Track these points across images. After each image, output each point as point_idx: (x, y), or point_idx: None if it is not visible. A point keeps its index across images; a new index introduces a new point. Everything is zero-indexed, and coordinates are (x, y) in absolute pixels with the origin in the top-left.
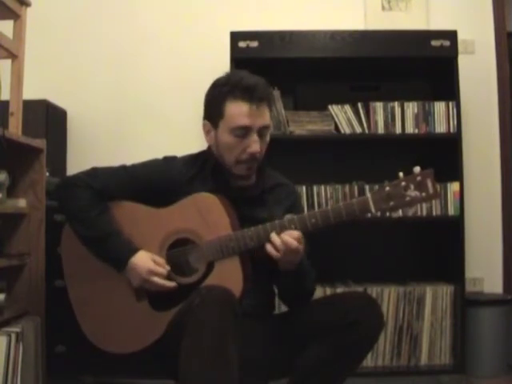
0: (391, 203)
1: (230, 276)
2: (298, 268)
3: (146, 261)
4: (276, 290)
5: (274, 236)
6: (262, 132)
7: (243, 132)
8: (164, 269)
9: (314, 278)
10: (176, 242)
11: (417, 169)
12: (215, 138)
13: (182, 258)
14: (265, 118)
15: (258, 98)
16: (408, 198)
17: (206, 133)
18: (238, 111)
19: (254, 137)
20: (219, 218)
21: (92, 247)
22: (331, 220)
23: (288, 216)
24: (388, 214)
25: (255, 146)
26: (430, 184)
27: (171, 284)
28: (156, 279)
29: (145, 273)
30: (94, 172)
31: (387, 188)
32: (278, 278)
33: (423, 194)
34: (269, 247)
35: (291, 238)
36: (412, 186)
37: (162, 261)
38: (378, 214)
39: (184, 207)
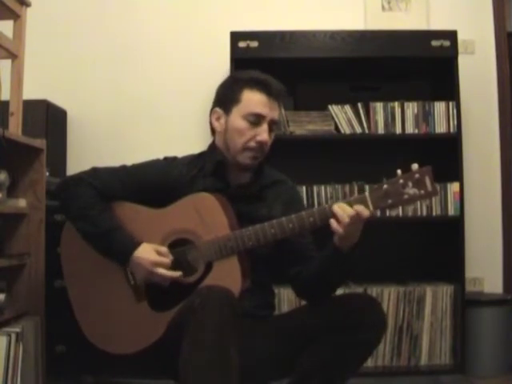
0: (389, 201)
1: (228, 276)
2: (351, 252)
3: (150, 253)
4: (302, 277)
5: (336, 208)
6: (271, 126)
7: (256, 120)
8: (168, 258)
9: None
10: (175, 242)
11: (415, 166)
12: (225, 124)
13: (181, 258)
14: (277, 112)
15: (274, 92)
16: (406, 196)
17: (216, 120)
18: (255, 98)
19: (265, 126)
20: (217, 217)
21: (95, 243)
22: (329, 218)
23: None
24: (388, 212)
25: (265, 134)
26: (428, 181)
27: (176, 274)
28: (161, 270)
29: (149, 265)
30: (95, 172)
31: (385, 186)
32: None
33: (422, 192)
34: (333, 221)
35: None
36: (410, 184)
37: (165, 250)
38: (378, 213)
39: (182, 207)
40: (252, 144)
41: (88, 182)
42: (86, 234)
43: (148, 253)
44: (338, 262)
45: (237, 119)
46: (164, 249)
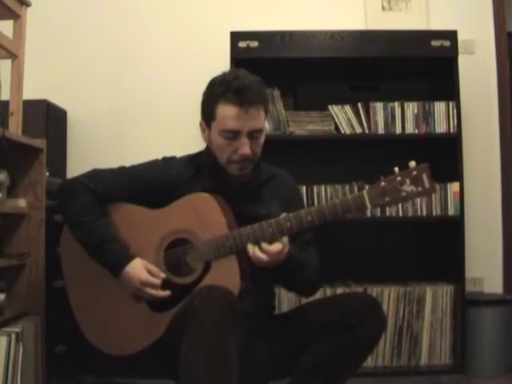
0: (387, 198)
1: (227, 275)
2: (286, 263)
3: (140, 271)
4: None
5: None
6: (253, 135)
7: (232, 135)
8: (158, 278)
9: (314, 268)
10: (173, 242)
11: (412, 163)
12: (209, 137)
13: (180, 259)
14: (256, 121)
15: (248, 102)
16: (404, 193)
17: (202, 131)
18: (227, 114)
19: (244, 140)
20: (215, 217)
21: (89, 252)
22: (327, 217)
23: (284, 214)
24: (388, 213)
25: (245, 148)
26: (425, 178)
27: (163, 293)
28: (148, 290)
29: (138, 284)
30: (95, 174)
31: (382, 183)
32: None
33: (419, 189)
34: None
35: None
36: (408, 181)
37: (155, 270)
38: (378, 213)
39: (181, 207)
40: (235, 157)
41: (86, 186)
42: (81, 242)
43: (139, 271)
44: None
45: (216, 135)
46: (154, 268)
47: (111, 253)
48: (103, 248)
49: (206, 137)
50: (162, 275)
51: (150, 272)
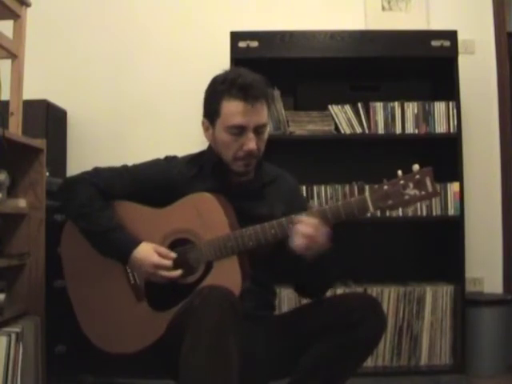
0: (389, 202)
1: (228, 276)
2: (320, 257)
3: (150, 254)
4: (293, 280)
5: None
6: (258, 130)
7: (238, 131)
8: (169, 259)
9: (335, 273)
10: (175, 242)
11: (416, 167)
12: (213, 136)
13: (181, 258)
14: (261, 116)
15: (253, 97)
16: (407, 197)
17: (205, 130)
18: (233, 110)
19: (250, 135)
20: (217, 217)
21: (95, 242)
22: (329, 220)
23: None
24: (388, 213)
25: (251, 144)
26: (428, 182)
27: (176, 274)
28: (161, 273)
29: (151, 268)
30: (96, 172)
31: (385, 187)
32: (295, 268)
33: (422, 193)
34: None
35: (306, 226)
36: (411, 185)
37: (165, 251)
38: (378, 213)
39: (182, 207)
40: (241, 154)
41: (89, 181)
42: (87, 232)
43: (148, 253)
44: (306, 268)
45: (221, 132)
46: (164, 250)
47: (117, 241)
48: (108, 237)
49: (210, 135)
50: (173, 255)
51: (160, 254)
